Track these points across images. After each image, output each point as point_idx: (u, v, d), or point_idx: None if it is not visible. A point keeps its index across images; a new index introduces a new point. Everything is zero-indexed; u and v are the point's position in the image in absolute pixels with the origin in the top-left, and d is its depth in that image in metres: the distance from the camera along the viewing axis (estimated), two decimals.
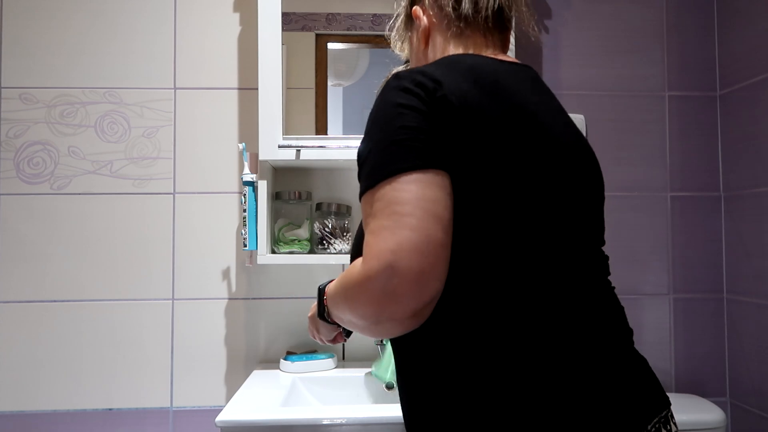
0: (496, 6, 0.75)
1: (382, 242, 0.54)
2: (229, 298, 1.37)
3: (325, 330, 0.84)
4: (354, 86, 1.32)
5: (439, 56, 0.74)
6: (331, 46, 1.31)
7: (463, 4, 0.74)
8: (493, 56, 0.72)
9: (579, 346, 0.61)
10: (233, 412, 0.95)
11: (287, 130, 1.26)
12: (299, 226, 1.31)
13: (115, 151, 1.37)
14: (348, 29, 1.31)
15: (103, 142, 1.37)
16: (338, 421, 0.93)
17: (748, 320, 1.37)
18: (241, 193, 1.36)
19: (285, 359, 1.27)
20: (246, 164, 1.28)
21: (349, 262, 0.77)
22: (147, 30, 1.39)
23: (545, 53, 1.45)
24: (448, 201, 0.58)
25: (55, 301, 1.34)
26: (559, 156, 0.65)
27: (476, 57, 0.69)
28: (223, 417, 0.93)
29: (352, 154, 1.24)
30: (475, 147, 0.60)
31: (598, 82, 1.45)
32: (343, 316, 0.64)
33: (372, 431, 0.93)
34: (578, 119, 1.43)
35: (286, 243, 1.30)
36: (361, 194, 0.61)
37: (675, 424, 0.66)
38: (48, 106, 1.37)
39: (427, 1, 0.78)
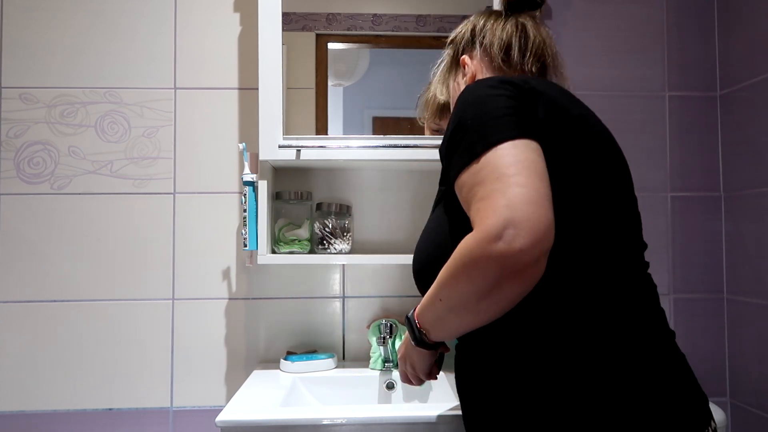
0: (539, 63, 0.84)
1: (495, 201, 0.57)
2: (230, 298, 1.37)
3: (421, 360, 0.82)
4: (354, 86, 1.32)
5: None
6: (331, 46, 1.31)
7: (513, 55, 0.83)
8: None
9: (652, 320, 0.67)
10: (233, 412, 0.95)
11: (287, 130, 1.26)
12: (299, 226, 1.31)
13: (116, 151, 1.37)
14: (348, 29, 1.31)
15: (104, 142, 1.37)
16: (338, 421, 0.93)
17: (748, 320, 1.37)
18: (241, 193, 1.36)
19: (285, 359, 1.27)
20: (246, 164, 1.28)
21: (413, 263, 0.78)
22: (147, 30, 1.39)
23: None
24: (545, 164, 0.61)
25: (55, 301, 1.34)
26: (621, 159, 0.74)
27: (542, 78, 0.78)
28: (223, 417, 0.93)
29: (353, 154, 1.24)
30: (560, 135, 0.66)
31: (598, 82, 1.45)
32: (457, 299, 0.63)
33: (372, 431, 0.93)
34: None
35: (286, 243, 1.30)
36: (460, 171, 0.64)
37: None
38: (48, 106, 1.36)
39: (477, 53, 0.86)
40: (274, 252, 1.30)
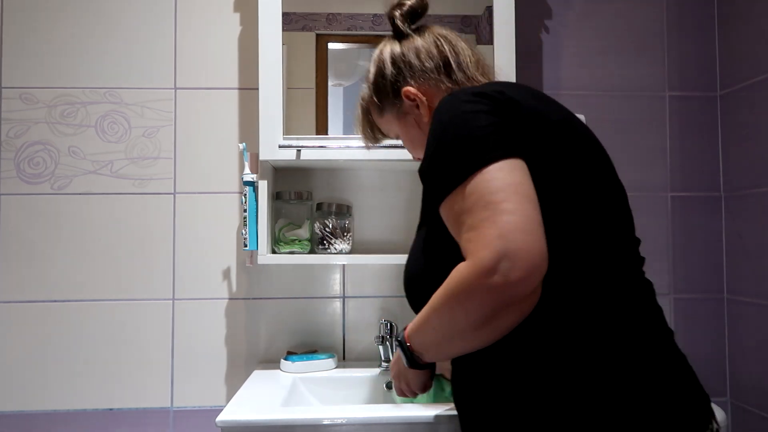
0: (479, 68, 0.83)
1: (487, 232, 0.56)
2: (230, 298, 1.37)
3: (416, 378, 0.82)
4: (355, 86, 1.32)
5: None
6: (331, 46, 1.31)
7: (454, 72, 0.81)
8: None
9: (652, 329, 0.66)
10: (234, 412, 0.95)
11: (288, 130, 1.26)
12: (300, 226, 1.31)
13: (116, 151, 1.37)
14: (348, 29, 1.31)
15: (104, 142, 1.37)
16: (339, 421, 0.93)
17: (748, 320, 1.37)
18: (241, 193, 1.36)
19: (285, 359, 1.27)
20: (246, 164, 1.28)
21: (404, 286, 0.76)
22: (147, 30, 1.39)
23: (545, 53, 1.45)
24: (531, 183, 0.60)
25: (55, 301, 1.34)
26: (606, 162, 0.71)
27: (511, 82, 0.76)
28: (223, 417, 0.93)
29: (353, 155, 1.24)
30: (544, 144, 0.64)
31: (598, 82, 1.45)
32: (451, 328, 0.62)
33: (373, 431, 0.93)
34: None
35: (286, 243, 1.30)
36: (443, 197, 0.62)
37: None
38: (48, 106, 1.37)
39: (414, 81, 0.82)
40: (274, 252, 1.30)
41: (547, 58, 1.45)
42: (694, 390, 0.66)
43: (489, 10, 1.27)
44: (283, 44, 1.25)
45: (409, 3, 0.85)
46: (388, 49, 0.85)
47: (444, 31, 0.84)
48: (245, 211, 1.26)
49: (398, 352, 0.77)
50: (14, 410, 1.33)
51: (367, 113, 0.91)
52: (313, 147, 1.23)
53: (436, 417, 0.92)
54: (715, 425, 0.66)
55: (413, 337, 0.71)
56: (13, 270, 1.34)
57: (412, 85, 0.82)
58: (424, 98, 0.81)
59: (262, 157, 1.23)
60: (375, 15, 1.30)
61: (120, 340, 1.35)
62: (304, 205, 1.33)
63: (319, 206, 1.33)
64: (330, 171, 1.40)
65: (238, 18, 1.40)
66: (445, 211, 0.63)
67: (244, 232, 1.26)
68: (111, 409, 1.34)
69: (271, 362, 1.35)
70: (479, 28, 1.31)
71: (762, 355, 1.33)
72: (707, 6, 1.48)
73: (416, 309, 0.72)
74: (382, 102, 0.86)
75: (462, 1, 1.32)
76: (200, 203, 1.38)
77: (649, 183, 1.45)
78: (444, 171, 0.62)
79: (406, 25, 0.85)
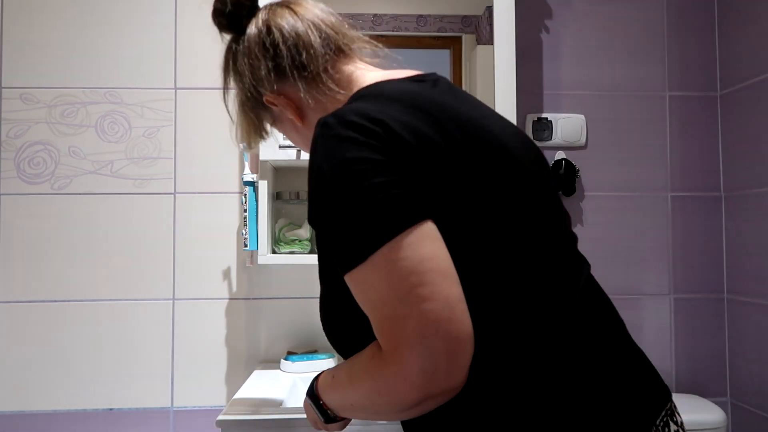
0: (333, 49, 0.69)
1: (404, 324, 0.50)
2: (230, 298, 1.37)
3: (336, 427, 0.73)
4: None
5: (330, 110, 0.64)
6: None
7: (308, 65, 0.68)
8: (390, 78, 0.66)
9: (583, 348, 0.61)
10: (234, 412, 0.95)
11: None
12: (300, 226, 1.31)
13: (116, 151, 1.37)
14: None
15: (104, 142, 1.37)
16: None
17: (748, 320, 1.37)
18: (241, 193, 1.36)
19: (285, 359, 1.27)
20: (247, 164, 1.28)
21: (323, 327, 0.67)
22: (147, 30, 1.39)
23: (545, 53, 1.45)
24: (445, 250, 0.53)
25: (55, 301, 1.34)
26: (516, 162, 0.61)
27: (388, 84, 0.63)
28: (223, 417, 0.93)
29: None
30: (444, 184, 0.55)
31: (598, 82, 1.45)
32: (371, 410, 0.58)
33: (373, 431, 0.93)
34: (578, 119, 1.43)
35: (286, 243, 1.30)
36: (346, 271, 0.54)
37: (679, 414, 0.66)
38: (48, 106, 1.37)
39: (263, 87, 0.70)
40: (274, 252, 1.30)
41: (547, 58, 1.45)
42: (632, 386, 0.62)
43: (489, 10, 1.27)
44: None
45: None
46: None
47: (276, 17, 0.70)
48: (245, 211, 1.26)
49: (309, 403, 0.69)
50: (14, 410, 1.33)
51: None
52: None
53: None
54: (668, 408, 0.63)
55: (328, 401, 0.65)
56: (13, 270, 1.34)
57: (271, 95, 0.71)
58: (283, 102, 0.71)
59: (262, 157, 1.23)
60: (375, 15, 1.30)
61: (120, 340, 1.35)
62: (304, 205, 1.34)
63: None
64: None
65: None
66: (349, 282, 0.55)
67: (244, 232, 1.26)
68: (111, 409, 1.34)
69: (271, 362, 1.35)
70: (479, 28, 1.31)
71: (762, 355, 1.33)
72: (707, 6, 1.48)
73: (335, 346, 0.67)
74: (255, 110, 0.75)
75: (462, 1, 1.32)
76: (200, 203, 1.38)
77: (649, 183, 1.45)
78: (342, 243, 0.53)
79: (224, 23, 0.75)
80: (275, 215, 1.32)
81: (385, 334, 0.52)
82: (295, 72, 0.68)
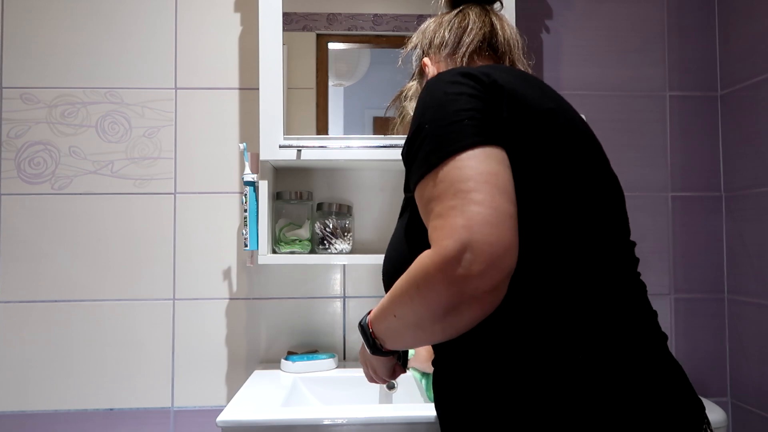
0: (489, 51, 0.82)
1: (453, 221, 0.54)
2: (230, 298, 1.37)
3: (382, 365, 0.80)
4: (355, 86, 1.32)
5: None
6: (332, 46, 1.31)
7: (459, 46, 0.80)
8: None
9: (634, 347, 0.62)
10: (234, 412, 0.95)
11: (288, 130, 1.26)
12: (300, 226, 1.31)
13: (116, 151, 1.37)
14: (349, 29, 1.31)
15: (104, 142, 1.37)
16: (339, 421, 0.93)
17: (749, 320, 1.37)
18: (242, 193, 1.36)
19: (286, 359, 1.27)
20: (247, 164, 1.28)
21: (382, 273, 0.73)
22: (147, 30, 1.39)
23: (546, 53, 1.45)
24: (508, 174, 0.58)
25: (55, 301, 1.34)
26: (599, 155, 0.68)
27: (506, 65, 0.74)
28: (224, 417, 0.93)
29: (353, 154, 1.24)
30: (528, 134, 0.62)
31: (598, 82, 1.45)
32: (411, 317, 0.60)
33: (373, 431, 0.93)
34: None
35: (287, 243, 1.30)
36: (417, 182, 0.61)
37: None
38: (49, 106, 1.37)
39: (432, 53, 0.83)
40: (274, 252, 1.30)
41: (547, 58, 1.45)
42: (686, 395, 0.63)
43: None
44: (283, 44, 1.25)
45: None
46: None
47: (474, 10, 0.84)
48: (246, 211, 1.26)
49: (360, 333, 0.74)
50: (14, 410, 1.33)
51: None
52: (313, 147, 1.23)
53: (437, 417, 0.92)
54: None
55: (375, 323, 0.69)
56: (13, 270, 1.34)
57: (431, 58, 0.84)
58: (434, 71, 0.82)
59: (262, 157, 1.23)
60: (375, 15, 1.31)
61: (120, 340, 1.35)
62: (304, 205, 1.34)
63: (320, 206, 1.33)
64: (330, 171, 1.40)
65: (238, 18, 1.40)
66: (417, 197, 0.61)
67: (244, 232, 1.26)
68: (111, 409, 1.34)
69: (271, 362, 1.35)
70: None
71: (762, 355, 1.33)
72: (707, 6, 1.48)
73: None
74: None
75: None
76: (201, 203, 1.38)
77: (649, 183, 1.45)
78: (418, 157, 0.61)
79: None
80: (275, 215, 1.32)
81: (435, 231, 0.56)
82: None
